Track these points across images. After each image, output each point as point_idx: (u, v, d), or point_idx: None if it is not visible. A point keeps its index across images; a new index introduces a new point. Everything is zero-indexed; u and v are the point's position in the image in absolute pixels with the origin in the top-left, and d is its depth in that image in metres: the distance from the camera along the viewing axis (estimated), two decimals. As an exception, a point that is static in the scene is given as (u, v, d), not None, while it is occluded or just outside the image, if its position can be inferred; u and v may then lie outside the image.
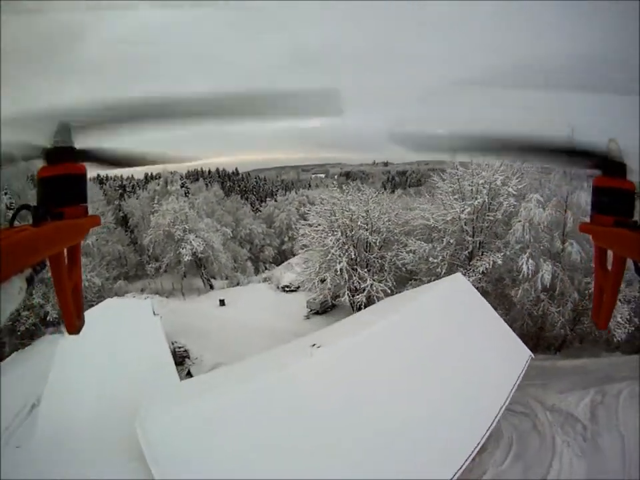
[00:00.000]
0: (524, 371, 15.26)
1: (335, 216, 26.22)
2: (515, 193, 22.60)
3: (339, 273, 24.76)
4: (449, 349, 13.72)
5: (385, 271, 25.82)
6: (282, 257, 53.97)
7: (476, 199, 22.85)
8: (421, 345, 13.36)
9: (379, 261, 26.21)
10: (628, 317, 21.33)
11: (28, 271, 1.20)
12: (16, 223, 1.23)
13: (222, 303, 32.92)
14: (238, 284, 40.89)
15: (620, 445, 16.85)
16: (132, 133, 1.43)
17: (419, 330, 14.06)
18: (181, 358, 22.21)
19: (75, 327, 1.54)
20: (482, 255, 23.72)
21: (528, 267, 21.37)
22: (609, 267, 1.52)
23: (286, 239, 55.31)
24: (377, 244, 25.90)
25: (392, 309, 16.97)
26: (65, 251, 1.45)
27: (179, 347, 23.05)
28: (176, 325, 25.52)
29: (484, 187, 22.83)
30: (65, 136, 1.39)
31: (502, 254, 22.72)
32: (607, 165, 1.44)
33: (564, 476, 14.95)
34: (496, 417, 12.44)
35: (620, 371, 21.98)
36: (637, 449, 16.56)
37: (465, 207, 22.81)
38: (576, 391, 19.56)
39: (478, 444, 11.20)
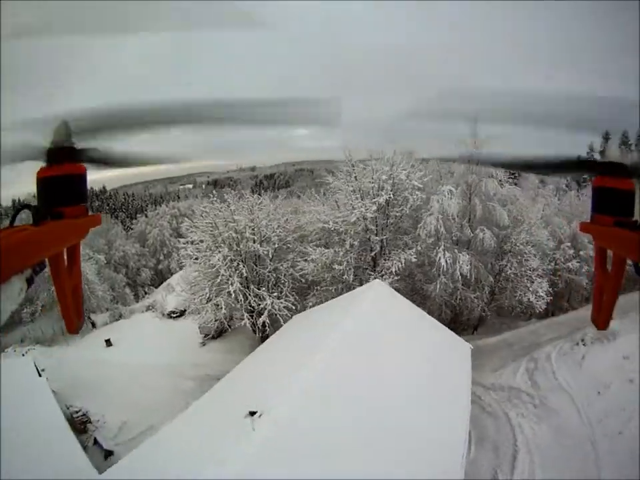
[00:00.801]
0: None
1: (219, 229, 22.03)
2: (420, 185, 20.86)
3: (232, 296, 20.91)
4: (403, 360, 12.29)
5: (282, 284, 22.36)
6: (160, 277, 51.73)
7: (381, 195, 20.46)
8: (375, 370, 11.25)
9: (273, 274, 22.65)
10: (547, 289, 23.01)
11: (28, 271, 1.20)
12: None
13: (108, 343, 28.06)
14: (120, 317, 36.02)
15: (568, 401, 18.06)
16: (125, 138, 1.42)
17: (366, 351, 11.88)
18: (81, 424, 18.59)
19: (74, 326, 1.54)
20: (390, 253, 21.60)
21: (446, 260, 20.19)
22: (609, 267, 1.49)
23: (161, 257, 53.68)
24: (269, 255, 22.14)
25: (319, 331, 13.83)
26: (65, 250, 1.44)
27: (76, 412, 19.08)
28: (65, 381, 21.78)
29: (386, 183, 20.58)
30: (64, 136, 1.36)
31: (413, 250, 20.88)
32: (606, 165, 1.42)
33: (534, 444, 15.60)
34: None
35: (541, 335, 23.99)
36: (586, 399, 18.10)
37: (370, 205, 20.29)
38: (508, 365, 20.50)
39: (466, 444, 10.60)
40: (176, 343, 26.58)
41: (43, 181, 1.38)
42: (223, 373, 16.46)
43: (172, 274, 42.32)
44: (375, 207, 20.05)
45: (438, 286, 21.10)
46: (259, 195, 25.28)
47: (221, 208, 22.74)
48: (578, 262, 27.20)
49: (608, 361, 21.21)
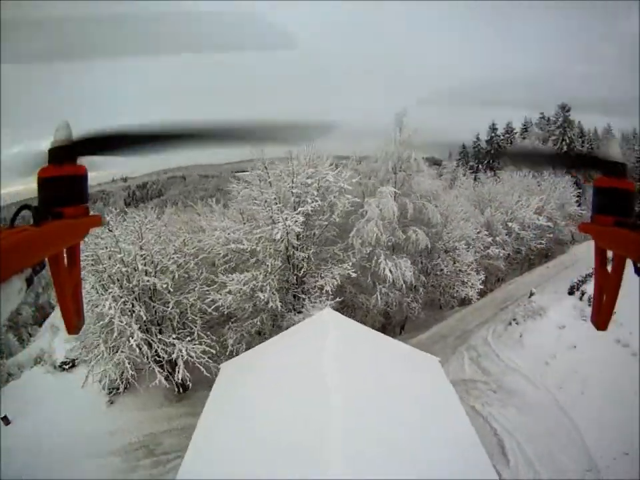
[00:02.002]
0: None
1: (103, 264, 16.82)
2: (349, 187, 17.65)
3: (135, 349, 16.20)
4: (386, 391, 10.72)
5: (191, 322, 17.75)
6: (41, 313, 47.71)
7: (306, 203, 16.75)
8: (368, 409, 9.55)
9: (176, 310, 17.85)
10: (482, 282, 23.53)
11: (28, 271, 1.18)
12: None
13: (5, 421, 20.79)
14: (9, 377, 29.25)
15: (522, 378, 18.78)
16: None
17: (374, 402, 9.95)
18: None
19: (74, 326, 1.52)
20: (319, 270, 18.21)
21: (390, 270, 18.00)
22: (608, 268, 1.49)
23: (40, 289, 49.67)
24: (169, 288, 17.28)
25: (303, 387, 10.49)
26: (65, 251, 1.43)
27: None
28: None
29: (310, 187, 17.13)
30: (65, 135, 1.34)
31: (349, 263, 17.87)
32: (607, 165, 1.39)
33: (512, 429, 15.93)
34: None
35: (469, 322, 24.93)
36: (538, 372, 19.09)
37: (295, 216, 16.42)
38: (451, 358, 20.34)
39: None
40: (80, 407, 20.77)
41: (43, 181, 1.34)
42: (146, 439, 15.38)
43: (53, 308, 38.01)
44: (301, 218, 16.40)
45: (379, 297, 18.91)
46: (136, 207, 20.50)
47: (102, 234, 17.30)
48: (497, 248, 27.30)
49: (546, 334, 22.65)
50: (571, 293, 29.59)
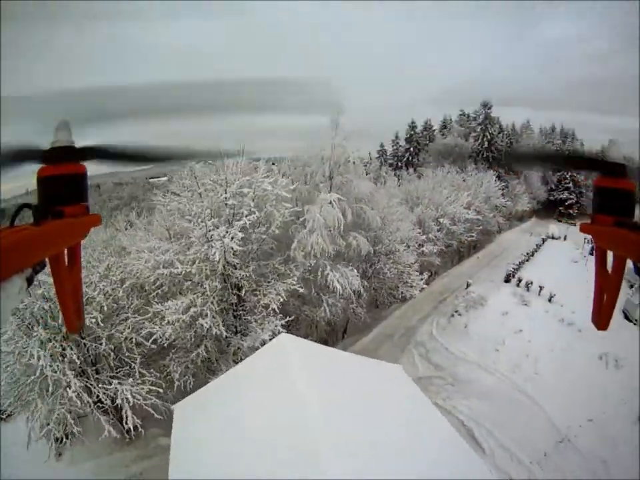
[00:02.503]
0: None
1: (23, 301, 14.31)
2: (288, 196, 16.44)
3: (75, 400, 13.81)
4: (365, 405, 10.35)
5: (128, 359, 15.75)
6: None
7: (242, 215, 15.33)
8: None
9: (109, 346, 15.57)
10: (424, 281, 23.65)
11: (28, 271, 1.18)
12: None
13: None
14: None
15: (475, 367, 19.44)
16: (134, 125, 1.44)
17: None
18: None
19: (75, 326, 1.55)
20: (261, 287, 16.75)
21: (338, 281, 17.16)
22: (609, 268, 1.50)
23: None
24: (98, 322, 14.83)
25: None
26: (65, 250, 1.44)
27: None
28: None
29: (245, 197, 15.61)
30: (65, 135, 1.37)
31: (295, 278, 16.63)
32: (607, 165, 1.40)
33: (476, 415, 16.51)
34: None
35: (410, 318, 25.46)
36: (489, 359, 19.97)
37: (234, 232, 14.93)
38: (401, 358, 20.24)
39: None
40: (28, 464, 16.64)
41: (43, 180, 1.36)
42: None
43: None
44: (240, 234, 14.86)
45: (326, 309, 18.15)
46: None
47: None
48: (430, 245, 27.88)
49: (490, 322, 23.97)
50: (507, 280, 31.18)
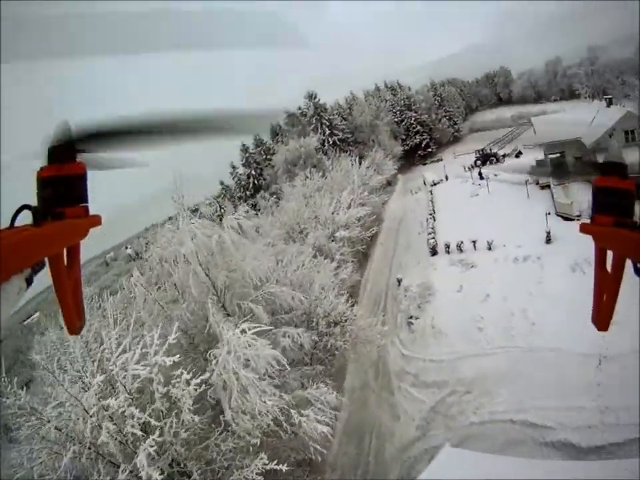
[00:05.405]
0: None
1: None
2: None
3: None
4: None
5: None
6: None
7: None
8: None
9: None
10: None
11: (27, 271, 1.19)
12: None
13: None
14: None
15: (475, 358, 17.79)
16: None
17: None
18: None
19: (75, 327, 1.48)
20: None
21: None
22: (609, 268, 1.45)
23: None
24: None
25: None
26: (65, 250, 1.39)
27: None
28: None
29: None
30: (65, 135, 1.31)
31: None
32: (606, 165, 1.36)
33: (521, 399, 15.08)
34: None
35: (368, 352, 22.34)
36: (478, 338, 18.60)
37: None
38: (394, 400, 18.18)
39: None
40: None
41: (43, 181, 1.32)
42: None
43: None
44: None
45: None
46: None
47: None
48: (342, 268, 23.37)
49: (451, 306, 21.05)
50: (434, 253, 27.25)
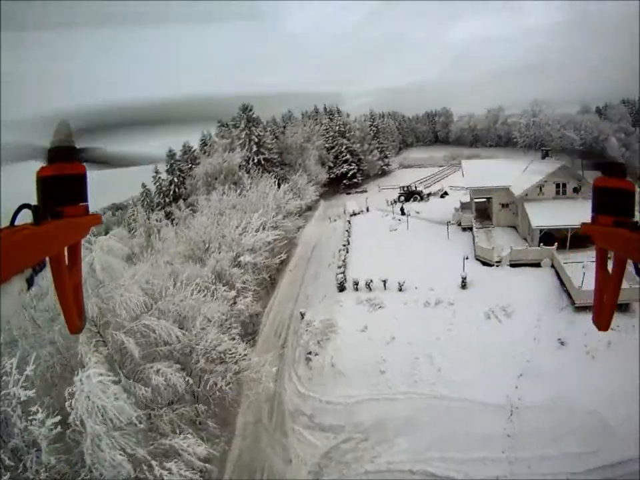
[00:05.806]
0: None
1: None
2: None
3: None
4: None
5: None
6: None
7: None
8: None
9: None
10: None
11: (28, 272, 1.16)
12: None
13: None
14: None
15: (374, 403, 17.15)
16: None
17: None
18: None
19: (76, 326, 1.49)
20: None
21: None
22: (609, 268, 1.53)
23: None
24: None
25: None
26: (65, 249, 1.41)
27: None
28: None
29: None
30: (65, 135, 1.37)
31: None
32: (606, 165, 1.41)
33: (425, 448, 14.86)
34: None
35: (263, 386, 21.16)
36: (378, 381, 18.13)
37: None
38: (287, 444, 17.03)
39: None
40: None
41: (43, 181, 1.35)
42: None
43: None
44: None
45: None
46: None
47: None
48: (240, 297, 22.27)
49: (354, 345, 20.30)
50: (342, 289, 26.00)
